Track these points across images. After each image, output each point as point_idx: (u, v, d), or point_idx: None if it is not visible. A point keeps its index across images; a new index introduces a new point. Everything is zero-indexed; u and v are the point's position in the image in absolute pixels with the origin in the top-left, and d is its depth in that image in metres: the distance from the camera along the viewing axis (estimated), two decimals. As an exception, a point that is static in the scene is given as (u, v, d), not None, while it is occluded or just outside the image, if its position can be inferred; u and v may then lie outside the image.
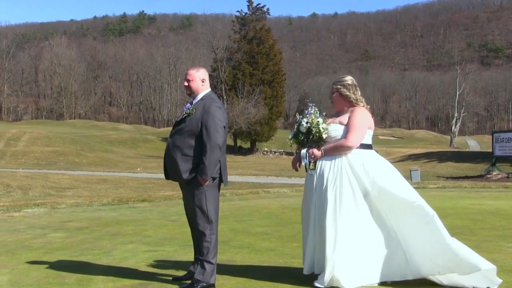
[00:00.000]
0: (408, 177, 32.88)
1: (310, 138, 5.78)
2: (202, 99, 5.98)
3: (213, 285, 5.88)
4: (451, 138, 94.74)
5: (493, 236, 8.76)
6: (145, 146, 79.02)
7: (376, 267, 5.61)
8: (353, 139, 5.66)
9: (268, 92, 77.11)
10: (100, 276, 6.47)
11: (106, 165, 53.31)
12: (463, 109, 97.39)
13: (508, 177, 31.67)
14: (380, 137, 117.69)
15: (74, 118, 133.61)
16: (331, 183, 5.60)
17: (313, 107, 5.85)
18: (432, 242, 5.53)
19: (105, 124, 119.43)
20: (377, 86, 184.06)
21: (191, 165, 5.82)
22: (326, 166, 5.70)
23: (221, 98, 71.71)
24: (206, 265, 5.86)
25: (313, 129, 5.72)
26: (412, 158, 50.79)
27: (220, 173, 5.99)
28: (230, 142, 75.63)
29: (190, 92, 6.07)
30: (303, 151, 5.81)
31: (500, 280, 5.52)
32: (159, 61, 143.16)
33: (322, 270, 5.56)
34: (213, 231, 5.93)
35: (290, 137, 5.93)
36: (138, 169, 48.17)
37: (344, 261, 5.44)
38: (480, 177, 33.87)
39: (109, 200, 17.36)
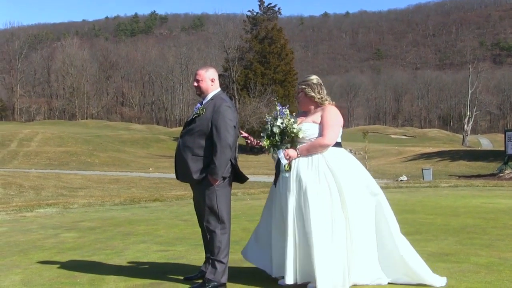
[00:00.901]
0: (420, 176, 32.78)
1: (284, 139, 5.71)
2: (212, 99, 5.98)
3: (224, 284, 5.88)
4: (463, 136, 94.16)
5: (506, 235, 8.68)
6: (157, 146, 79.15)
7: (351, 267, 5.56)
8: (330, 137, 5.65)
9: (280, 91, 76.92)
10: (112, 276, 6.50)
11: (118, 165, 53.47)
12: (475, 107, 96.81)
13: (521, 175, 31.54)
14: (393, 136, 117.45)
15: (87, 118, 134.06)
16: (311, 183, 5.54)
17: (287, 107, 5.81)
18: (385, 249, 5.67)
19: (117, 124, 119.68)
20: (389, 85, 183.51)
21: (201, 165, 5.82)
22: (303, 166, 5.64)
23: (233, 98, 71.80)
24: (217, 265, 5.85)
25: (288, 129, 5.66)
26: (424, 157, 50.55)
27: (235, 172, 6.02)
28: (242, 141, 75.55)
29: (200, 92, 6.07)
30: (279, 152, 5.73)
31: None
32: (171, 61, 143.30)
33: (310, 277, 5.53)
34: (224, 230, 5.93)
35: (263, 139, 5.82)
36: (150, 169, 48.27)
37: (334, 264, 5.41)
38: (492, 175, 33.63)
39: (121, 200, 17.44)
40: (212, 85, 6.05)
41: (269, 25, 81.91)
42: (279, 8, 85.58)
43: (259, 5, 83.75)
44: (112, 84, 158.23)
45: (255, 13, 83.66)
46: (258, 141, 6.01)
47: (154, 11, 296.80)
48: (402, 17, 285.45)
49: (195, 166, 5.83)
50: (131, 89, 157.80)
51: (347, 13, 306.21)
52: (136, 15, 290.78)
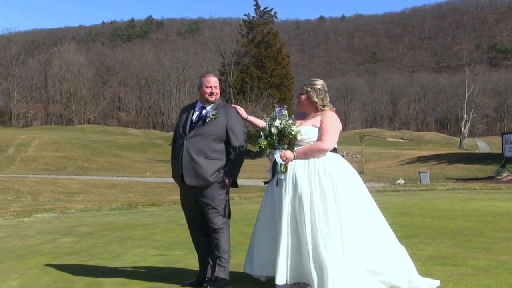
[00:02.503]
0: (417, 179, 32.75)
1: (282, 140, 5.71)
2: (218, 104, 6.14)
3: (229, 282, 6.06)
4: (460, 139, 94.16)
5: (503, 238, 8.68)
6: (154, 151, 79.05)
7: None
8: (329, 142, 5.68)
9: (276, 95, 76.70)
10: (109, 281, 6.49)
11: (115, 170, 53.40)
12: (472, 110, 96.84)
13: (518, 178, 31.43)
14: (389, 139, 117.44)
15: (83, 123, 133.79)
16: (306, 186, 5.56)
17: (285, 108, 5.79)
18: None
19: (114, 129, 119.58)
20: (385, 89, 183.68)
21: (215, 168, 5.98)
22: (299, 169, 5.66)
23: (229, 102, 71.73)
24: (227, 263, 6.06)
25: (286, 130, 5.65)
26: (421, 160, 50.47)
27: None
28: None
29: (215, 99, 6.16)
30: (276, 153, 5.73)
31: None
32: (167, 66, 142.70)
33: (300, 278, 5.55)
34: (229, 230, 6.16)
35: (260, 139, 5.80)
36: (147, 173, 48.23)
37: (330, 269, 5.33)
38: (490, 178, 33.50)
39: (118, 204, 17.46)
40: None
41: (265, 29, 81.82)
42: (275, 12, 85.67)
43: (255, 9, 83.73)
44: (109, 89, 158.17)
45: (251, 17, 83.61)
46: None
47: (150, 16, 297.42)
48: (398, 20, 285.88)
49: (210, 168, 5.96)
50: (127, 94, 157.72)
51: (343, 16, 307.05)
52: (132, 20, 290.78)
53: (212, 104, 6.12)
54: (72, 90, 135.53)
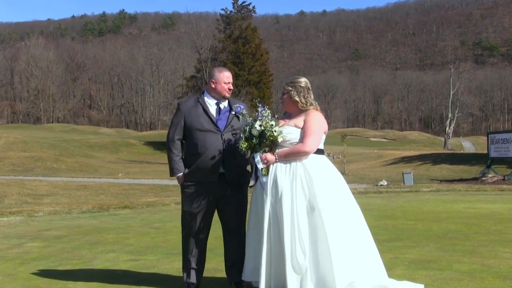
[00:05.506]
0: (401, 180, 32.79)
1: (263, 142, 5.57)
2: (229, 101, 6.18)
3: None
4: (445, 139, 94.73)
5: (489, 241, 8.65)
6: (127, 151, 78.82)
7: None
8: (311, 144, 5.53)
9: (254, 93, 76.56)
10: (80, 287, 6.37)
11: (86, 171, 53.17)
12: (457, 109, 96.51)
13: (504, 179, 31.36)
14: (372, 139, 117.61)
15: (52, 122, 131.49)
16: (287, 190, 5.42)
17: (265, 109, 5.63)
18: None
19: (85, 128, 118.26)
20: (368, 86, 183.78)
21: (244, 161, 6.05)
22: (281, 172, 5.52)
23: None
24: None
25: (267, 132, 5.51)
26: (405, 161, 50.59)
27: None
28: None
29: (230, 94, 6.23)
30: (256, 156, 5.57)
31: None
32: (140, 62, 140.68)
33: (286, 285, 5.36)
34: None
35: (241, 141, 5.67)
36: (120, 174, 48.14)
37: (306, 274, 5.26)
38: (475, 179, 33.48)
39: (89, 207, 17.38)
40: None
41: (243, 24, 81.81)
42: (253, 7, 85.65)
43: (233, 3, 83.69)
44: (79, 86, 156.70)
45: (228, 12, 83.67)
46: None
47: (123, 10, 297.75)
48: (381, 15, 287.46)
49: (244, 162, 6.02)
50: (99, 91, 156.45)
51: (324, 11, 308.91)
52: (104, 14, 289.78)
53: (228, 99, 6.14)
54: (40, 87, 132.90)
